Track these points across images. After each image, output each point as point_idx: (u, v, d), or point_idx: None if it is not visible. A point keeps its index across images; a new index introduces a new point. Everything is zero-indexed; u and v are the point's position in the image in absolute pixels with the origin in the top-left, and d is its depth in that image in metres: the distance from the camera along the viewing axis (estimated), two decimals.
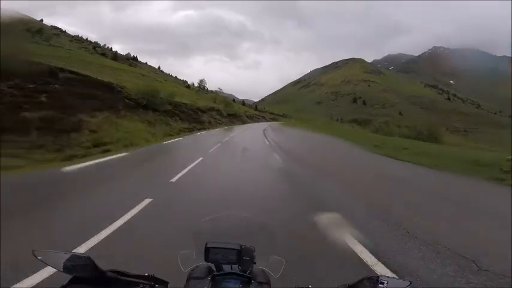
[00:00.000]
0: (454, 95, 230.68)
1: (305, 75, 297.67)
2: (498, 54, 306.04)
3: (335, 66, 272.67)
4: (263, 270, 0.95)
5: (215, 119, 35.39)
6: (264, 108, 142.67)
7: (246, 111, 73.51)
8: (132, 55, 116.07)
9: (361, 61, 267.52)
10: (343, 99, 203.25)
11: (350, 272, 2.51)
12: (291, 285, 0.85)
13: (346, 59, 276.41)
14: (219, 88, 46.11)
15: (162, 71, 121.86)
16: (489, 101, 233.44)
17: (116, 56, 76.76)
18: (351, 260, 2.76)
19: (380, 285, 0.68)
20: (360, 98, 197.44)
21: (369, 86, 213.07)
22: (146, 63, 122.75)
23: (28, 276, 2.21)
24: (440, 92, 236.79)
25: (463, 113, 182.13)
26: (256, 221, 1.17)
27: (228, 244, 0.90)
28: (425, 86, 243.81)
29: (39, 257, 0.68)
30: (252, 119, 72.98)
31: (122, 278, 0.76)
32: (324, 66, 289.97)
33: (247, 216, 1.17)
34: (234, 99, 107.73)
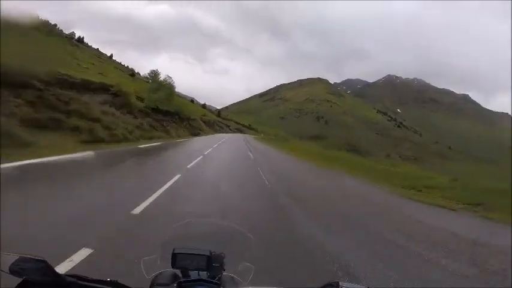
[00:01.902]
0: (401, 123, 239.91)
1: (271, 88, 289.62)
2: (439, 87, 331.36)
3: (300, 83, 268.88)
4: (232, 277, 0.90)
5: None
6: (228, 116, 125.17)
7: (203, 115, 55.76)
8: (78, 36, 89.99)
9: (325, 81, 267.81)
10: (307, 117, 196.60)
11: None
12: None
13: (312, 78, 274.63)
14: (168, 76, 25.54)
15: (111, 58, 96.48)
16: (428, 130, 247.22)
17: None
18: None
19: None
20: (323, 117, 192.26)
21: (331, 106, 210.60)
22: (98, 49, 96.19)
23: None
24: (389, 119, 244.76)
25: (412, 141, 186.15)
26: (227, 227, 1.07)
27: (197, 250, 0.84)
28: (377, 112, 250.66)
29: None
30: (212, 127, 55.61)
31: (82, 283, 0.69)
32: (290, 83, 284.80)
33: (218, 222, 1.10)
34: (192, 100, 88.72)
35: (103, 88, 18.08)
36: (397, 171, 15.23)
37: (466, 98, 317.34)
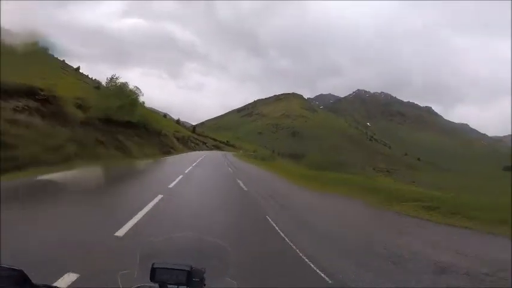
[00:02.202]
0: (372, 137, 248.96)
1: (249, 104, 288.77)
2: (404, 100, 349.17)
3: (276, 98, 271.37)
4: None
5: None
6: (204, 132, 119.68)
7: (176, 131, 50.19)
8: (41, 46, 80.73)
9: (300, 97, 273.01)
10: (283, 132, 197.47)
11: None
12: None
13: (287, 93, 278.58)
14: (136, 87, 19.96)
15: (77, 70, 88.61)
16: (396, 143, 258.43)
17: None
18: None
19: None
20: (298, 132, 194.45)
21: (306, 122, 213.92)
22: (64, 60, 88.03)
23: None
24: (361, 133, 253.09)
25: (383, 153, 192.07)
26: (209, 242, 1.07)
27: (177, 265, 0.82)
28: (349, 126, 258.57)
29: None
30: (186, 144, 50.46)
31: None
32: (267, 98, 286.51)
33: (200, 237, 1.07)
34: (165, 115, 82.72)
35: (27, 92, 12.75)
36: (414, 191, 11.64)
37: (429, 111, 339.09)
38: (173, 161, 20.08)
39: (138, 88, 22.94)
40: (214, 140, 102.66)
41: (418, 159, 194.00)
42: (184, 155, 30.17)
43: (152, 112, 43.74)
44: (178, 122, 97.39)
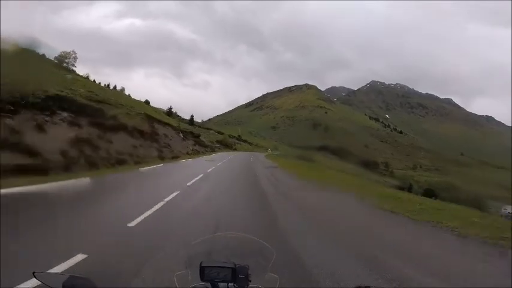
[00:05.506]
0: (395, 129, 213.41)
1: (257, 98, 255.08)
2: (423, 92, 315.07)
3: (288, 90, 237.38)
4: None
5: None
6: (204, 125, 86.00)
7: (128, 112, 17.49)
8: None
9: (314, 87, 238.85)
10: (301, 125, 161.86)
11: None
12: None
13: (299, 85, 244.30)
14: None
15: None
16: (421, 136, 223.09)
17: None
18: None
19: None
20: (320, 124, 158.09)
21: (326, 113, 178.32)
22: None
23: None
24: (383, 125, 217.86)
25: (422, 148, 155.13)
26: (250, 239, 1.08)
27: (222, 263, 0.84)
28: (370, 119, 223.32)
29: (38, 279, 0.67)
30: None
31: None
32: (277, 90, 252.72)
33: (241, 235, 1.08)
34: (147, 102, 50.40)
35: None
36: None
37: (450, 102, 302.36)
38: None
39: None
40: (221, 133, 68.45)
41: (461, 154, 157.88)
42: None
43: None
44: (169, 113, 63.86)
